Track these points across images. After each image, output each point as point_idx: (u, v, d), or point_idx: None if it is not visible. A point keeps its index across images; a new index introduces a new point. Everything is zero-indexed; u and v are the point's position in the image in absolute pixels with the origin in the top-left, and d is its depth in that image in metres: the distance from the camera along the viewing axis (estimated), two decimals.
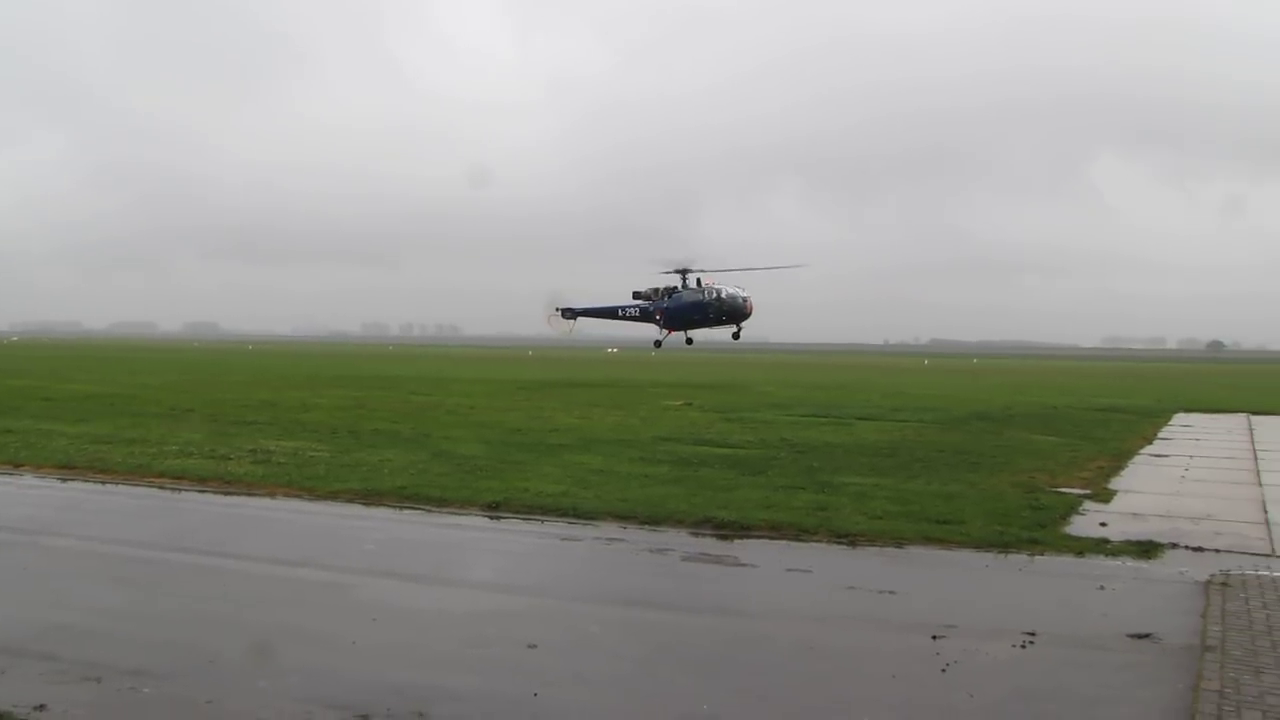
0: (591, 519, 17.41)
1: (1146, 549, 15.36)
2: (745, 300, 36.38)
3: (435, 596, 12.93)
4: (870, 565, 14.68)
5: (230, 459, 23.50)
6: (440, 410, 39.46)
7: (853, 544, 15.74)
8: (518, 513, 18.00)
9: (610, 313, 39.18)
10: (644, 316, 37.87)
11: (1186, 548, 15.60)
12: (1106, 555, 15.06)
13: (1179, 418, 43.80)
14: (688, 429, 32.94)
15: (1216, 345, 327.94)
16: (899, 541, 15.80)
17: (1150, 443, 32.21)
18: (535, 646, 10.65)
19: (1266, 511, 18.89)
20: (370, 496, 19.31)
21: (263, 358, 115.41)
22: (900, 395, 55.12)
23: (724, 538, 16.16)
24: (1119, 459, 27.03)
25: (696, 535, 16.34)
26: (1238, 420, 43.10)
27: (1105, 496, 20.31)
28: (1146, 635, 11.12)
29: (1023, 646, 10.71)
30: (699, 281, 36.77)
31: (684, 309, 36.79)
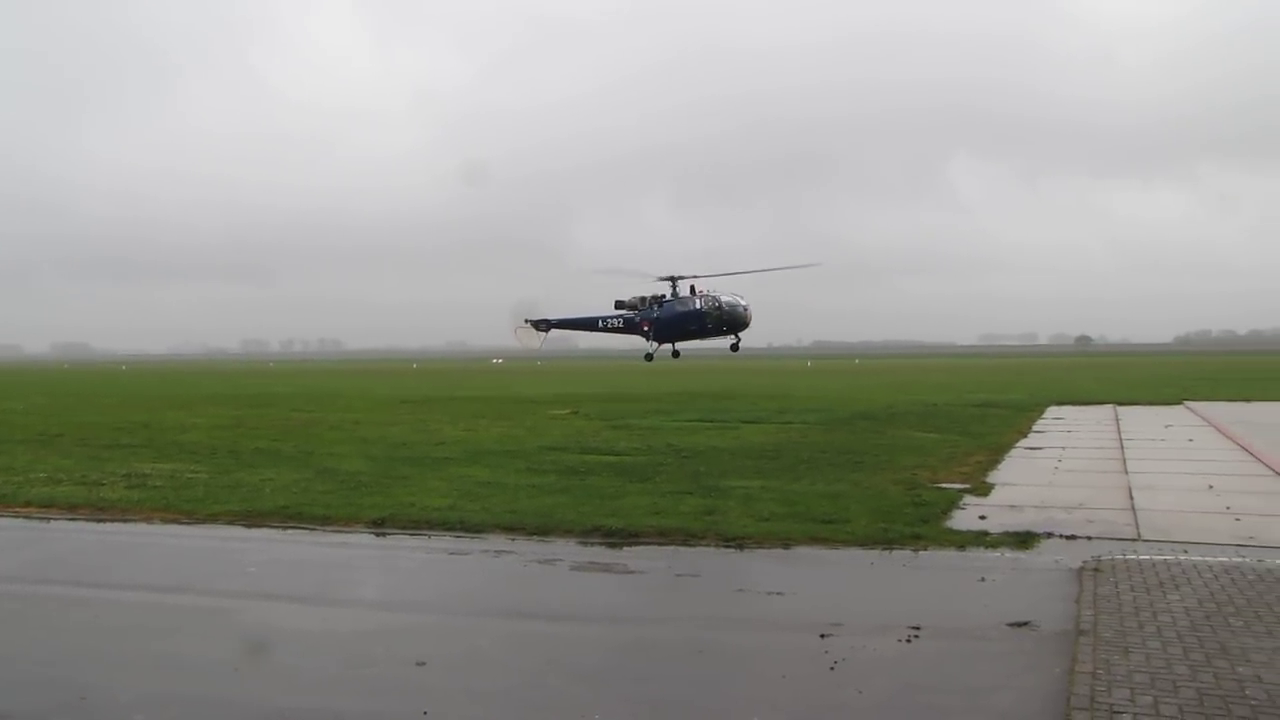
0: (479, 532, 17.21)
1: (1024, 539, 15.80)
2: (746, 309, 35.21)
3: (320, 617, 12.61)
4: (758, 567, 14.81)
5: (103, 484, 22.62)
6: (323, 426, 38.67)
7: (740, 547, 15.86)
8: (404, 528, 17.70)
9: (589, 324, 37.68)
10: (629, 328, 36.47)
11: (1061, 536, 16.10)
12: (986, 547, 15.44)
13: (1051, 410, 45.35)
14: (574, 438, 32.84)
15: (1084, 340, 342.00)
16: (786, 542, 15.96)
17: (1025, 436, 33.24)
18: (424, 664, 10.47)
19: (1133, 498, 19.62)
20: (251, 517, 18.78)
21: (138, 378, 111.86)
22: (784, 398, 55.89)
23: (613, 545, 16.13)
24: (996, 453, 27.81)
25: (585, 544, 16.27)
26: (1105, 411, 44.81)
27: (984, 490, 20.86)
28: (1025, 623, 11.42)
29: (908, 641, 10.90)
30: (692, 289, 35.46)
31: (676, 319, 35.33)
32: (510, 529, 17.26)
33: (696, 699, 9.44)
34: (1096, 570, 13.38)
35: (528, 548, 16.13)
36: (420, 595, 13.90)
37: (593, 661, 10.70)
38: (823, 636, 11.04)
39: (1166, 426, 36.07)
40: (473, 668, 10.54)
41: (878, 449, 28.49)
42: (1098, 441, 31.21)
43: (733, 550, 15.72)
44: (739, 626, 11.85)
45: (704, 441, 30.97)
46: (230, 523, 18.51)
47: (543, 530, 17.08)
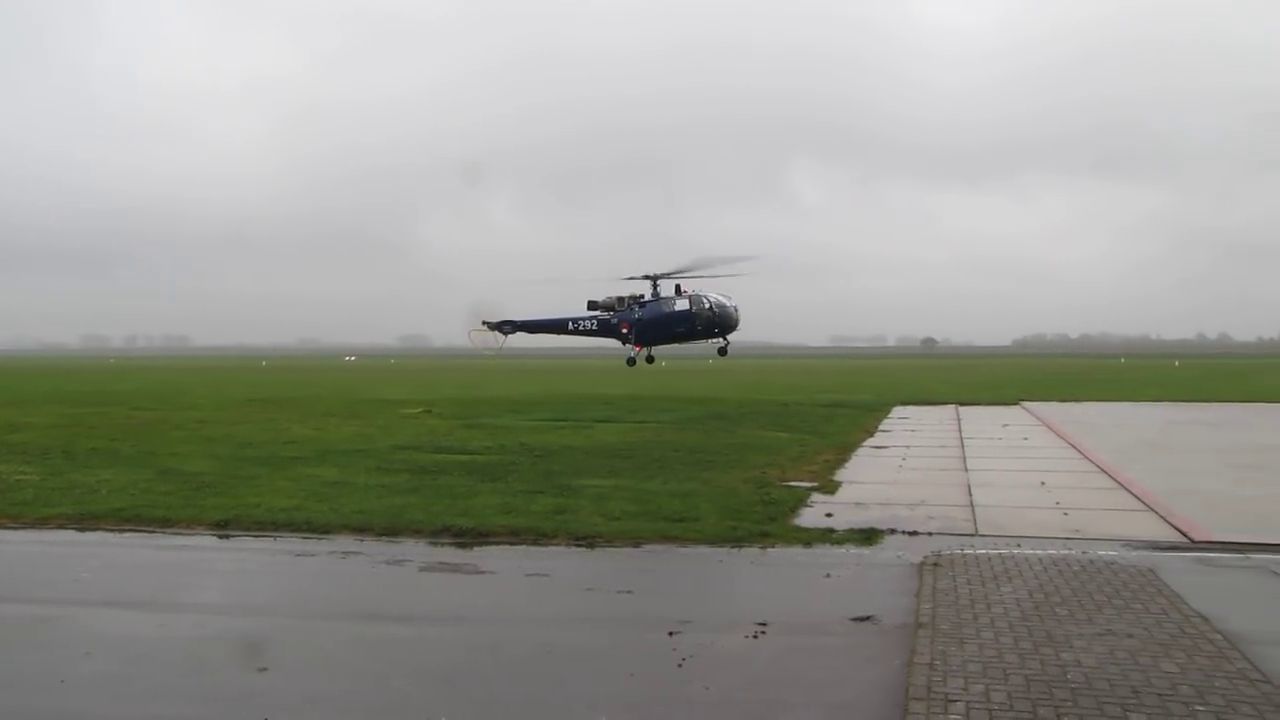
0: (326, 533, 16.84)
1: (868, 536, 16.23)
2: (735, 309, 33.99)
3: (157, 623, 12.11)
4: (608, 566, 14.84)
5: None
6: (166, 426, 37.28)
7: (591, 546, 15.88)
8: (248, 530, 17.20)
9: (558, 326, 35.64)
10: (604, 330, 34.59)
11: (903, 532, 16.60)
12: (832, 544, 15.80)
13: (897, 410, 46.77)
14: (426, 437, 32.43)
15: (929, 342, 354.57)
16: (636, 541, 16.05)
17: (872, 435, 34.17)
18: (266, 669, 10.17)
19: (971, 495, 20.37)
20: (85, 521, 17.95)
21: None
22: (638, 398, 56.19)
23: (463, 545, 15.97)
24: (844, 452, 28.50)
25: (435, 544, 16.06)
26: (948, 411, 46.44)
27: (831, 488, 21.35)
28: (868, 618, 11.73)
29: (755, 637, 11.07)
30: (677, 288, 33.99)
31: (661, 320, 33.54)
32: (359, 529, 16.94)
33: (545, 698, 9.40)
34: (936, 565, 13.86)
35: (376, 548, 15.85)
36: (264, 598, 13.52)
37: (440, 663, 10.55)
38: (671, 634, 11.14)
39: (1004, 426, 37.59)
40: (316, 672, 10.28)
41: (729, 448, 28.90)
42: (940, 440, 32.30)
43: (583, 549, 15.73)
44: (588, 625, 11.86)
45: (557, 441, 30.93)
46: (61, 526, 17.68)
47: (392, 531, 16.81)
